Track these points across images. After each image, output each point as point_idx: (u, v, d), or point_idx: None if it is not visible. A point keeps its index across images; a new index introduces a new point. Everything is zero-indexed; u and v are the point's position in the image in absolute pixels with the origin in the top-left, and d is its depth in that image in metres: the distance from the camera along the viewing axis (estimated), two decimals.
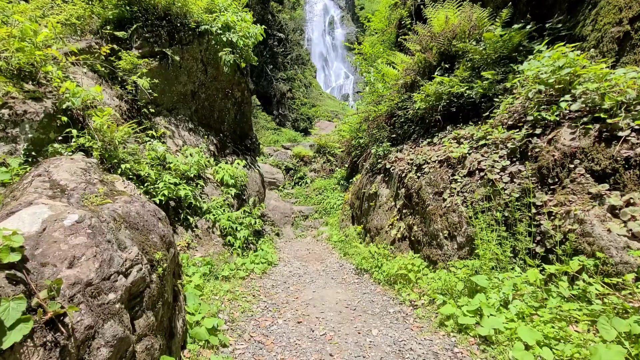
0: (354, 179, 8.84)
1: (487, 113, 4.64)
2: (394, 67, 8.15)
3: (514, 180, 3.59)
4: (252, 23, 8.08)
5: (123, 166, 4.42)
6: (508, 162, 3.70)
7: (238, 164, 6.59)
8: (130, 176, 4.68)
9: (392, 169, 6.07)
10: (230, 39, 6.92)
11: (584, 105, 3.40)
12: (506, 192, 3.57)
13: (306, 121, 31.92)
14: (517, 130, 3.84)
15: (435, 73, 6.07)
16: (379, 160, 6.89)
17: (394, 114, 7.30)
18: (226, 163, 7.20)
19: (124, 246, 1.92)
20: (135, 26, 6.12)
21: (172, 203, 5.24)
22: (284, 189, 13.43)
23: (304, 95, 34.70)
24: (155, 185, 4.84)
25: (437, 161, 4.69)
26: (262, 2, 24.15)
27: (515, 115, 4.01)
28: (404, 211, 5.29)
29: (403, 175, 5.45)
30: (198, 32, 6.80)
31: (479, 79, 5.03)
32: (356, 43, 12.71)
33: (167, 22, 6.63)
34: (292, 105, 30.97)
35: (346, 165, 12.98)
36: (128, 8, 6.07)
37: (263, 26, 7.65)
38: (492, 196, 3.68)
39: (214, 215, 5.60)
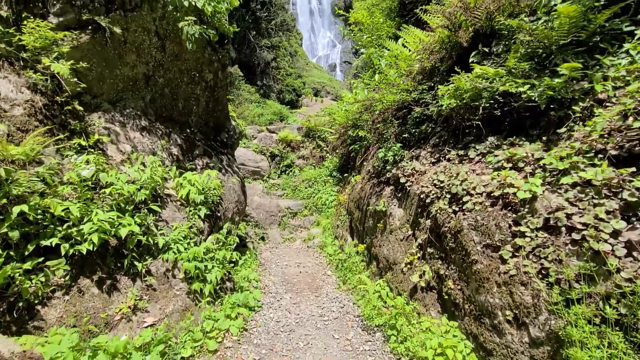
0: (353, 179, 7.38)
1: (564, 129, 3.17)
2: (403, 46, 6.47)
3: (636, 255, 2.22)
4: None
5: (16, 209, 2.80)
6: (623, 224, 2.31)
7: (209, 175, 4.97)
8: (36, 217, 3.07)
9: (409, 186, 4.63)
10: (193, 3, 5.04)
11: None
12: (622, 274, 2.22)
13: (292, 93, 29.97)
14: (635, 170, 2.42)
15: (471, 59, 4.49)
16: (387, 167, 5.42)
17: (406, 106, 5.73)
18: (195, 169, 5.56)
19: None
20: None
21: (113, 242, 3.69)
22: (269, 179, 11.87)
23: (290, 65, 32.43)
24: (80, 228, 3.25)
25: (484, 194, 3.26)
26: None
27: (624, 141, 2.57)
28: (429, 250, 3.93)
29: (427, 200, 4.02)
30: None
31: (544, 75, 3.51)
32: (351, 11, 10.71)
33: None
34: (277, 76, 28.75)
35: (338, 152, 11.44)
36: None
37: None
38: (596, 276, 2.32)
39: (174, 252, 4.08)
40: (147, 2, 4.92)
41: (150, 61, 5.20)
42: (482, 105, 3.97)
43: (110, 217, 3.45)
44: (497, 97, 3.88)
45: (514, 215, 2.92)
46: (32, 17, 4.01)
